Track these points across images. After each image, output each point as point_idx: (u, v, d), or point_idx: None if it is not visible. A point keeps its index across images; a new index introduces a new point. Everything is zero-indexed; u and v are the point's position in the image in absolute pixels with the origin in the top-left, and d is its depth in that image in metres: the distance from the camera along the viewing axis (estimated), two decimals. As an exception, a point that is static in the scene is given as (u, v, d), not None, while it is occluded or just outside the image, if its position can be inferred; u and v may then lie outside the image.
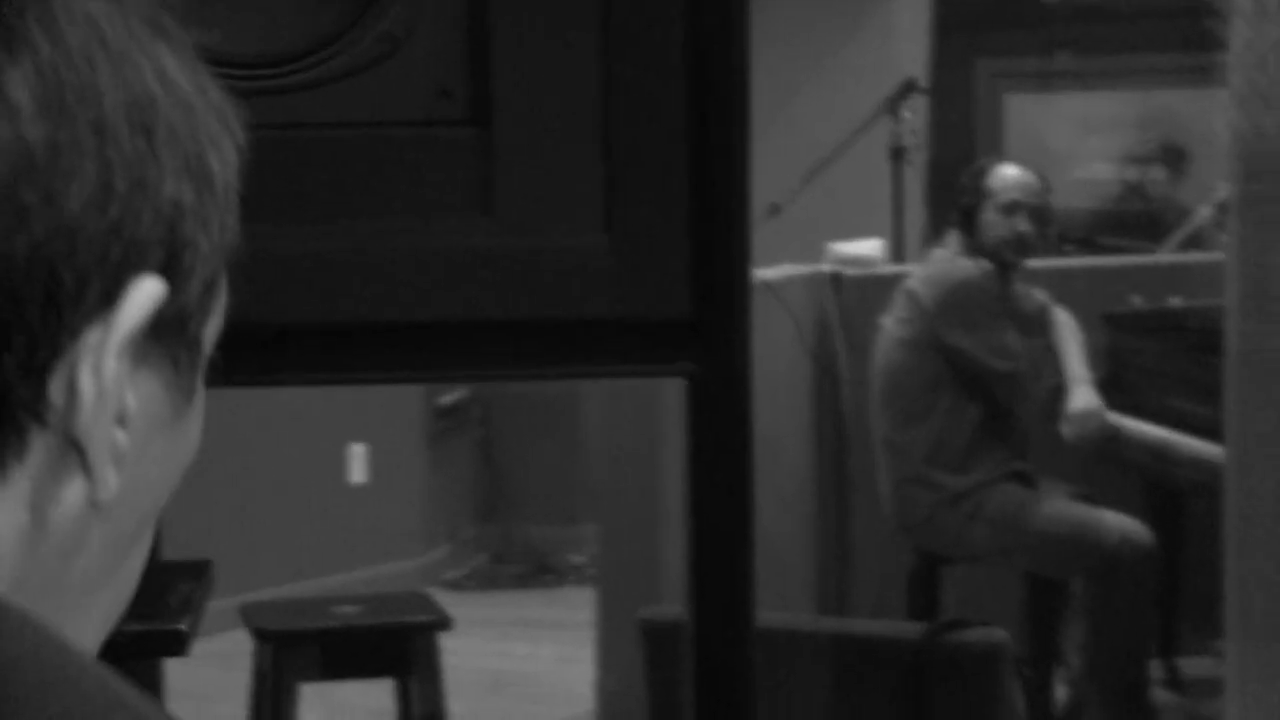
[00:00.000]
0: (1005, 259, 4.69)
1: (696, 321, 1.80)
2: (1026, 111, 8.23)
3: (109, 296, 0.71)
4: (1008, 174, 4.80)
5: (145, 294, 0.71)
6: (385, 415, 6.45)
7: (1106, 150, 8.21)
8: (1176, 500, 4.90)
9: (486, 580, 6.63)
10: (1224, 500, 3.91)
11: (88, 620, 0.75)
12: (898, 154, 5.87)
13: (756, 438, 1.87)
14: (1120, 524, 4.59)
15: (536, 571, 6.75)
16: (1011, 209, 4.70)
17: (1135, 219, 7.88)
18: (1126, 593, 4.56)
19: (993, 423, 4.63)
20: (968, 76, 8.06)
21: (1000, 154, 8.00)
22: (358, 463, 6.48)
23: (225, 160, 0.76)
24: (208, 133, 0.75)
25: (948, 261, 4.71)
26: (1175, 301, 5.14)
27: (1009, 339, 4.65)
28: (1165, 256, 5.96)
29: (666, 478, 4.70)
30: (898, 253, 5.76)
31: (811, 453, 5.00)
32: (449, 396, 6.74)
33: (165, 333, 0.73)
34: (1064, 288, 4.95)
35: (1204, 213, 6.01)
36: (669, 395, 4.64)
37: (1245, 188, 3.99)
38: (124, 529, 0.75)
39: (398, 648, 3.58)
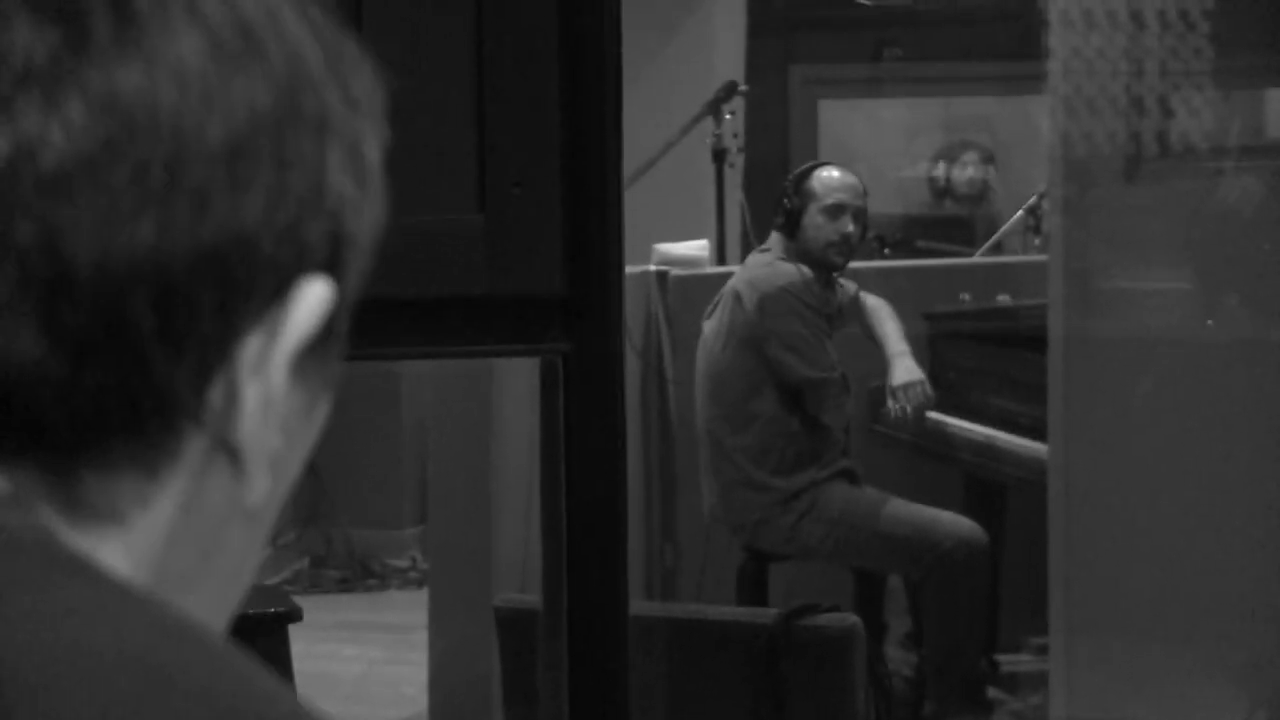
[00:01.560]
0: (830, 262, 4.72)
1: (570, 300, 1.81)
2: (839, 117, 8.33)
3: (275, 298, 0.69)
4: (832, 176, 4.83)
5: (315, 299, 0.70)
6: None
7: (917, 155, 8.34)
8: (997, 498, 4.98)
9: (308, 584, 6.57)
10: (1047, 496, 3.99)
11: (220, 611, 0.74)
12: (719, 156, 5.91)
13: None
14: (956, 524, 4.65)
15: (359, 575, 6.71)
16: (836, 211, 4.73)
17: (947, 223, 8.00)
18: (963, 591, 4.62)
19: (815, 426, 4.67)
20: (782, 81, 8.14)
21: (814, 158, 8.09)
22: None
23: (378, 151, 0.74)
24: (368, 126, 0.73)
25: (768, 265, 4.74)
26: (1004, 300, 5.23)
27: (827, 346, 4.68)
28: (985, 258, 6.06)
29: (497, 469, 4.69)
30: (720, 254, 5.80)
31: (638, 450, 5.02)
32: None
33: (323, 335, 0.72)
34: (886, 289, 5.01)
35: (1016, 216, 6.12)
36: (500, 386, 4.63)
37: (1068, 190, 4.09)
38: (259, 525, 0.73)
39: (247, 639, 3.53)
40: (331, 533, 6.75)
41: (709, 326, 4.76)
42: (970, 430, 4.99)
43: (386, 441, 6.72)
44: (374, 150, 0.74)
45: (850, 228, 4.72)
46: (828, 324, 4.69)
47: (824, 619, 3.03)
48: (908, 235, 6.36)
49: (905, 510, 4.67)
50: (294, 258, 0.69)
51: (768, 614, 3.17)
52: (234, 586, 0.74)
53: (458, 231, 1.80)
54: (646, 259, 5.20)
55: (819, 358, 4.60)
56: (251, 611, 3.63)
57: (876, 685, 4.29)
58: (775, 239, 4.80)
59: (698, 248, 5.35)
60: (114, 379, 0.67)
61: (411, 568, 6.71)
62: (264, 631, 3.54)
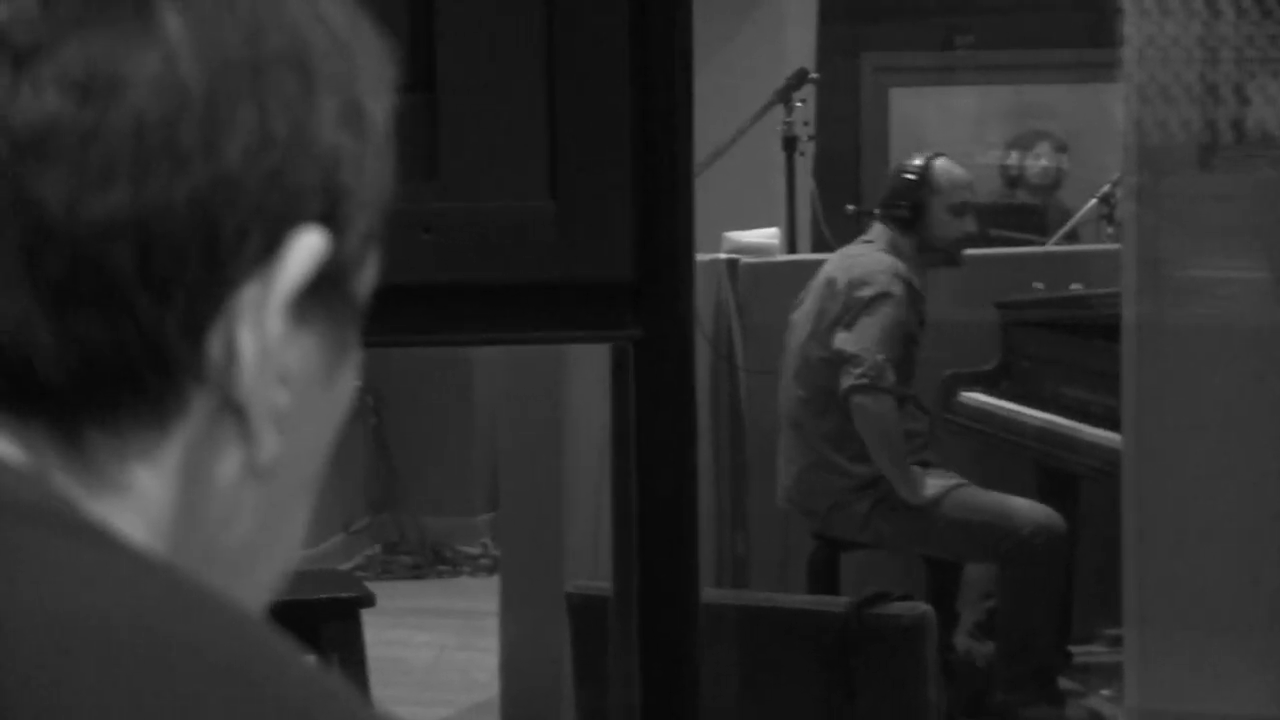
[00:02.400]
0: (955, 258, 4.75)
1: (640, 286, 1.81)
2: (910, 105, 8.30)
3: (268, 249, 0.69)
4: (955, 173, 4.84)
5: (307, 248, 0.70)
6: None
7: (988, 143, 8.29)
8: (1070, 488, 4.96)
9: (381, 570, 6.60)
10: (1120, 485, 3.97)
11: (252, 587, 0.74)
12: (790, 144, 5.89)
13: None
14: (1033, 511, 4.64)
15: (431, 561, 6.73)
16: (961, 210, 4.77)
17: (1019, 212, 7.96)
18: (1039, 579, 4.61)
19: (900, 411, 4.66)
20: (853, 69, 8.11)
21: (885, 147, 8.05)
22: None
23: (382, 105, 0.74)
24: (365, 77, 0.73)
25: (869, 254, 4.73)
26: (1077, 288, 5.19)
27: (912, 350, 4.69)
28: (1058, 247, 6.03)
29: (569, 456, 4.69)
30: (791, 241, 5.79)
31: (708, 437, 5.02)
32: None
33: (324, 287, 0.72)
34: (958, 278, 4.98)
35: (1090, 205, 6.08)
36: (572, 375, 4.64)
37: (1142, 178, 4.06)
38: (283, 493, 0.73)
39: (320, 624, 3.57)
40: (403, 519, 6.77)
41: (803, 306, 4.76)
42: (1043, 419, 4.96)
43: (458, 428, 6.73)
44: (378, 108, 0.74)
45: (971, 226, 4.77)
46: (920, 320, 4.69)
47: (896, 608, 3.03)
48: (980, 224, 6.32)
49: (982, 498, 4.66)
50: (283, 205, 0.70)
51: (839, 602, 3.17)
52: (265, 558, 0.74)
53: (529, 218, 1.81)
54: (717, 247, 5.20)
55: (881, 374, 4.57)
56: (324, 597, 3.65)
57: (948, 675, 4.27)
58: (879, 230, 4.79)
59: (768, 236, 5.34)
60: (102, 330, 0.67)
61: (483, 554, 6.72)
62: (337, 617, 3.56)
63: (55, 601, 0.61)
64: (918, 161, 4.88)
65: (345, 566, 6.26)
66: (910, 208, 4.73)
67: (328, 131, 0.71)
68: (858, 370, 4.54)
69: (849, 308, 4.60)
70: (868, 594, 3.07)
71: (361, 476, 6.74)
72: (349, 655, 3.58)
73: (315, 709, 0.61)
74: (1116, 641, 4.33)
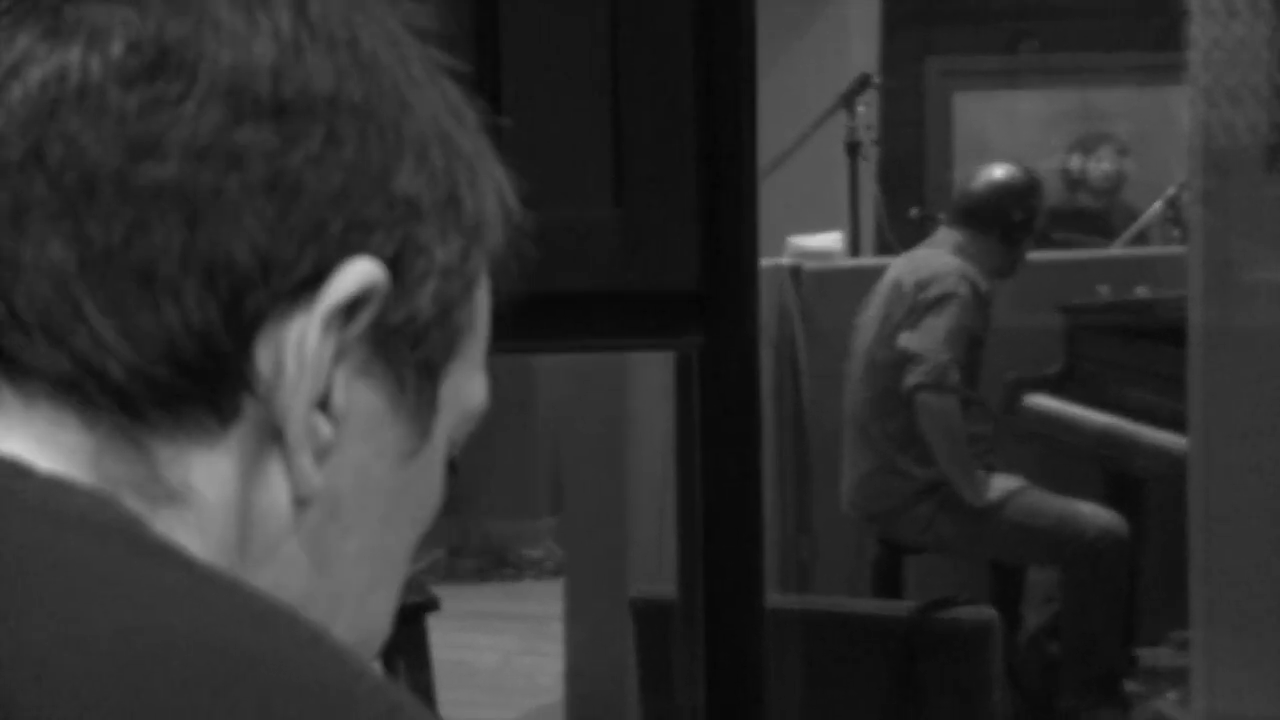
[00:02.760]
0: (1013, 270, 4.78)
1: (705, 294, 1.81)
2: (975, 109, 8.28)
3: (323, 271, 0.70)
4: (1037, 189, 4.89)
5: (358, 270, 0.70)
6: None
7: (1053, 147, 8.26)
8: (1136, 491, 4.94)
9: (445, 574, 6.62)
10: (1187, 490, 3.95)
11: (327, 617, 0.73)
12: (853, 149, 5.89)
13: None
14: (1097, 515, 4.63)
15: (495, 565, 6.75)
16: (1035, 226, 4.83)
17: (1083, 215, 7.93)
18: (1104, 583, 4.60)
19: (965, 414, 4.65)
20: (917, 74, 8.09)
21: (949, 151, 8.03)
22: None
23: (481, 199, 0.76)
24: (466, 167, 0.75)
25: (939, 257, 4.74)
26: (1142, 292, 5.17)
27: (984, 337, 4.69)
28: (1124, 250, 6.00)
29: (632, 462, 4.70)
30: (854, 246, 5.78)
31: (772, 443, 5.02)
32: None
33: (390, 343, 0.72)
34: (1022, 282, 4.97)
35: (1155, 207, 6.05)
36: (635, 380, 4.64)
37: (1208, 181, 4.04)
38: (337, 560, 0.73)
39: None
40: (467, 523, 6.79)
41: (865, 315, 4.76)
42: (1108, 423, 4.94)
43: (522, 432, 6.75)
44: (475, 199, 0.75)
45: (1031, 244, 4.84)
46: (985, 324, 4.69)
47: (960, 612, 3.02)
48: (1044, 228, 6.30)
49: (1045, 502, 4.65)
50: (344, 230, 0.70)
51: (903, 607, 3.16)
52: (334, 620, 0.73)
53: (594, 227, 1.81)
54: (780, 251, 5.19)
55: (946, 373, 4.56)
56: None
57: (1012, 679, 4.26)
58: (946, 234, 4.79)
59: (831, 240, 5.34)
60: (151, 317, 0.68)
61: (547, 558, 6.74)
62: (403, 621, 3.58)
63: (128, 620, 0.62)
64: (1004, 172, 4.87)
65: (410, 570, 6.28)
66: (992, 216, 4.73)
67: (404, 179, 0.72)
68: (922, 369, 4.53)
69: (915, 308, 4.60)
70: (932, 599, 3.06)
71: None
72: (415, 660, 3.59)
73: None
74: (1183, 645, 4.30)
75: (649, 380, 4.45)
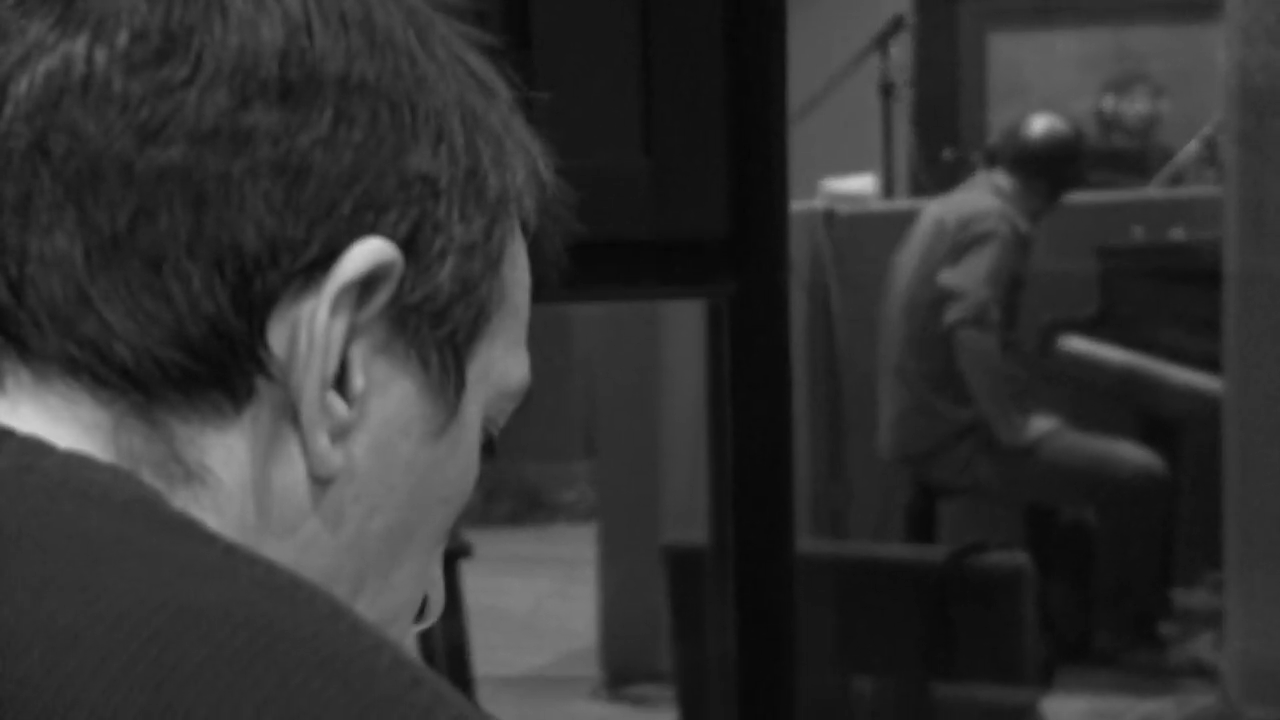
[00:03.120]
0: (1046, 212, 4.79)
1: (735, 241, 1.81)
2: (1009, 49, 8.23)
3: (335, 253, 0.70)
4: (1078, 138, 4.92)
5: (369, 248, 0.70)
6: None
7: (1088, 87, 8.21)
8: (1170, 433, 4.93)
9: (478, 518, 6.64)
10: (1222, 432, 3.94)
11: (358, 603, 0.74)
12: (887, 91, 5.86)
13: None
14: (1134, 455, 4.64)
15: (528, 509, 6.77)
16: (1075, 172, 4.85)
17: (1118, 156, 7.89)
18: (1140, 523, 4.61)
19: (1002, 354, 4.66)
20: (951, 14, 8.04)
21: (983, 92, 7.99)
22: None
23: (507, 174, 0.75)
24: (491, 142, 0.75)
25: (981, 198, 4.74)
26: (1176, 234, 5.15)
27: (1023, 280, 4.71)
28: (1158, 191, 5.97)
29: (666, 408, 4.70)
30: (888, 188, 5.76)
31: (805, 388, 5.01)
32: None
33: (410, 322, 0.72)
34: (1057, 222, 4.95)
35: (1190, 148, 6.02)
36: (669, 326, 4.64)
37: (1245, 120, 4.01)
38: (361, 538, 0.73)
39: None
40: (500, 466, 6.81)
41: (903, 255, 4.76)
42: (1143, 365, 4.93)
43: (556, 375, 6.76)
44: (501, 177, 0.75)
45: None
46: (1024, 266, 4.70)
47: (993, 558, 3.03)
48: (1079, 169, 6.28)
49: (1082, 442, 4.66)
50: (353, 211, 0.70)
51: (937, 552, 3.17)
52: (359, 603, 0.73)
53: (623, 174, 1.81)
54: (812, 195, 5.18)
55: (986, 310, 4.57)
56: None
57: (1047, 622, 4.26)
58: (985, 175, 4.79)
59: (864, 183, 5.32)
60: (158, 302, 0.69)
61: (581, 501, 6.75)
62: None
63: (151, 594, 0.62)
64: (1058, 122, 4.88)
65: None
66: (1043, 165, 4.73)
67: (419, 158, 0.72)
68: (963, 305, 4.54)
69: (956, 246, 4.61)
70: (965, 544, 3.06)
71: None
72: (448, 605, 3.61)
73: (408, 697, 0.62)
74: (1218, 586, 4.30)
75: (683, 326, 4.44)
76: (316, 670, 0.61)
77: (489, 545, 5.97)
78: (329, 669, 0.61)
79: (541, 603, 5.74)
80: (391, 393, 0.73)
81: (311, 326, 0.70)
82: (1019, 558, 3.03)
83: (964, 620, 2.98)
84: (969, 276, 4.56)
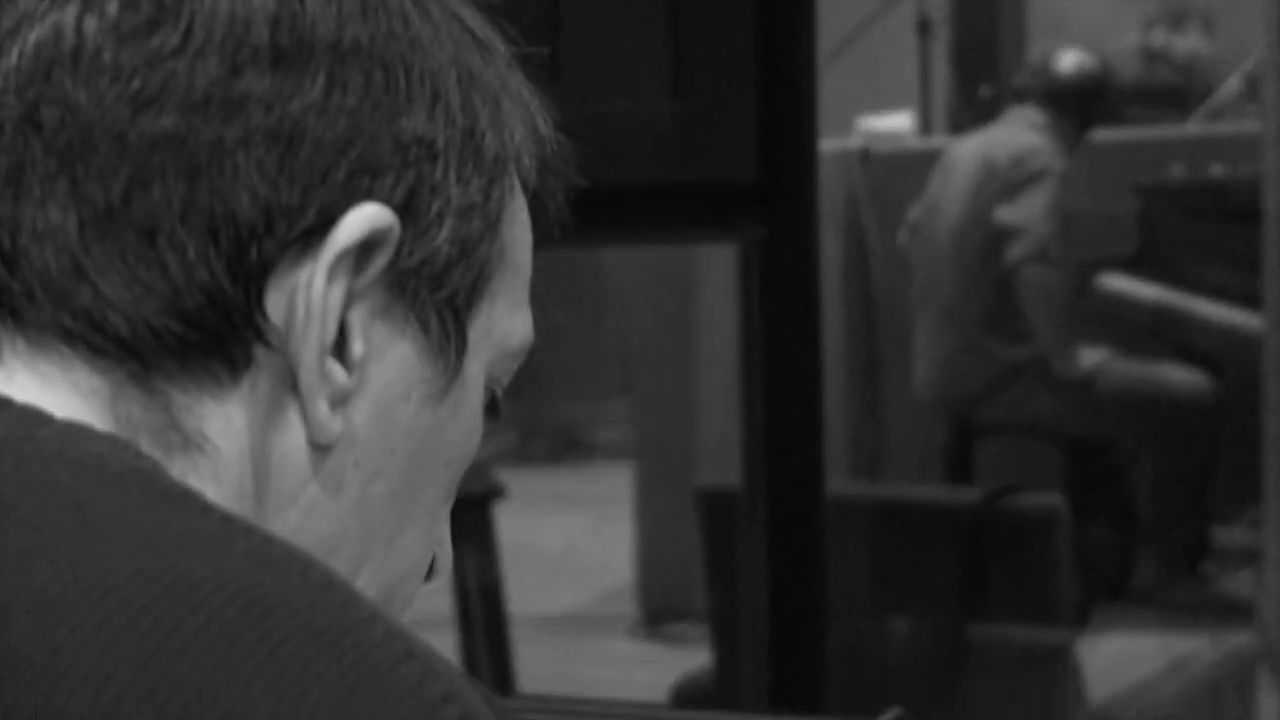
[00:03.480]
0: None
1: (764, 185, 1.80)
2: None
3: (332, 220, 0.70)
4: (1112, 74, 4.92)
5: (365, 214, 0.70)
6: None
7: (1126, 21, 8.15)
8: (1209, 371, 4.91)
9: (515, 457, 6.65)
10: (1261, 369, 3.92)
11: (355, 572, 0.74)
12: (924, 28, 5.83)
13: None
14: (1187, 382, 4.66)
15: (566, 447, 6.77)
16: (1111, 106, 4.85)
17: (1159, 92, 7.83)
18: (1191, 452, 4.62)
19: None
20: (990, -51, 7.98)
21: (1023, 28, 7.93)
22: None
23: (505, 133, 0.75)
24: (488, 101, 0.74)
25: (1023, 134, 4.73)
26: (1216, 170, 5.12)
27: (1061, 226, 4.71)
28: (1198, 128, 5.93)
29: (703, 349, 4.70)
30: (925, 127, 5.74)
31: (841, 329, 5.01)
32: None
33: (408, 286, 0.72)
34: (1095, 160, 4.93)
35: (1232, 83, 5.97)
36: (705, 268, 4.64)
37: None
38: (364, 503, 0.73)
39: (451, 518, 3.62)
40: (539, 405, 6.82)
41: (947, 194, 4.73)
42: (1182, 303, 4.91)
43: (593, 313, 6.76)
44: (499, 138, 0.74)
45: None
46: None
47: (1027, 499, 3.02)
48: (1118, 105, 6.25)
49: (1136, 370, 4.67)
50: (348, 177, 0.70)
51: (971, 494, 3.16)
52: (362, 570, 0.73)
53: (651, 118, 1.80)
54: (848, 133, 5.16)
55: (1048, 246, 4.59)
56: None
57: (1088, 561, 4.27)
58: (1022, 112, 4.77)
59: (901, 121, 5.30)
60: (153, 272, 0.69)
61: (619, 440, 6.76)
62: (467, 508, 3.61)
63: (144, 564, 0.62)
64: (1090, 57, 4.86)
65: (480, 452, 6.32)
66: (1076, 100, 4.72)
67: (414, 120, 0.72)
68: (1024, 242, 4.55)
69: (1009, 184, 4.60)
70: (999, 486, 3.06)
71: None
72: (481, 547, 3.63)
73: (400, 669, 0.62)
74: (1256, 523, 4.29)
75: (718, 267, 4.44)
76: (309, 642, 0.61)
77: (526, 484, 5.99)
78: (321, 641, 0.61)
79: (578, 541, 5.76)
80: (391, 357, 0.72)
81: (309, 294, 0.70)
82: (1053, 499, 3.02)
83: (998, 561, 2.99)
84: (1028, 213, 4.57)
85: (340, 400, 0.71)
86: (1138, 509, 4.75)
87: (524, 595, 4.78)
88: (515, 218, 0.77)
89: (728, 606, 2.99)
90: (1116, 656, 4.05)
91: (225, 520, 0.66)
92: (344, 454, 0.72)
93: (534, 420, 6.87)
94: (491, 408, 0.78)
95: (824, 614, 1.97)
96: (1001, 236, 4.57)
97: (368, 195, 0.71)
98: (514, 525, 4.75)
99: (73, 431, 0.68)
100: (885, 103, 5.46)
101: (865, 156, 5.08)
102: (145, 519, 0.65)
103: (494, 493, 3.71)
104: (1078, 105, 4.71)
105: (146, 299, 0.69)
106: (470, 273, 0.74)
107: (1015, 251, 4.55)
